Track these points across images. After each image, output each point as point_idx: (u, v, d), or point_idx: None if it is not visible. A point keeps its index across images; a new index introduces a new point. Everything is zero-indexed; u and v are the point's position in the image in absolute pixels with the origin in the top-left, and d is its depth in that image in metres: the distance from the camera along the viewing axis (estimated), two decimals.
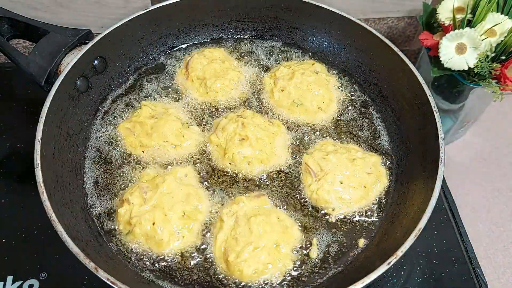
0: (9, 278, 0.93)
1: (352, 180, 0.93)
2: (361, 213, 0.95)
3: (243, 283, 0.84)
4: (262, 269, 0.83)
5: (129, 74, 1.16)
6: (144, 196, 0.88)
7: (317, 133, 1.06)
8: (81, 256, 0.74)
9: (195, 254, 0.87)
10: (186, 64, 1.13)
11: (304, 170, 0.97)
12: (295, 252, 0.89)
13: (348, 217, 0.94)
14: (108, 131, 1.05)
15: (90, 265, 0.73)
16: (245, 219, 0.86)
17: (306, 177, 0.96)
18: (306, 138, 1.05)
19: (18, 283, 0.93)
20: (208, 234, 0.89)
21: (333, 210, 0.93)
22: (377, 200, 0.96)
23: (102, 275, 0.73)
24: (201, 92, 1.10)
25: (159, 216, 0.86)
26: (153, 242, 0.86)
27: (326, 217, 0.94)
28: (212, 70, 1.10)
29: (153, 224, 0.85)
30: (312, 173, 0.95)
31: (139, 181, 0.93)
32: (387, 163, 1.02)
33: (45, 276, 0.94)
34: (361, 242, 0.91)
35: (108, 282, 0.72)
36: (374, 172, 0.97)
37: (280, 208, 0.94)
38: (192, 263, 0.87)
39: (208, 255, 0.87)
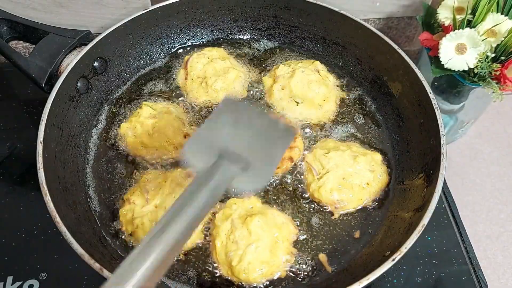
0: (9, 279, 0.93)
1: (354, 178, 0.93)
2: (364, 210, 0.95)
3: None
4: (267, 269, 0.84)
5: (129, 75, 1.16)
6: (146, 196, 0.88)
7: (318, 131, 1.06)
8: (86, 257, 0.74)
9: (199, 253, 0.88)
10: (186, 63, 1.13)
11: (306, 168, 0.97)
12: (296, 247, 0.89)
13: (350, 214, 0.94)
14: (109, 132, 1.05)
15: (95, 266, 0.73)
16: (241, 221, 0.86)
17: (308, 175, 0.96)
18: (306, 136, 1.05)
19: (18, 283, 0.93)
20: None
21: (335, 208, 0.93)
22: (379, 197, 0.97)
23: (108, 275, 0.72)
24: (202, 92, 1.10)
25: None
26: None
27: (329, 215, 0.94)
28: (213, 69, 1.10)
29: (156, 224, 0.85)
30: (314, 171, 0.95)
31: (140, 181, 0.94)
32: (388, 160, 1.02)
33: (45, 276, 0.94)
34: (364, 239, 0.92)
35: None
36: (376, 169, 0.97)
37: (274, 206, 0.95)
38: (196, 262, 0.87)
39: (211, 254, 0.88)
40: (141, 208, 0.88)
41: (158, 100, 1.11)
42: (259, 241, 0.84)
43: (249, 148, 0.72)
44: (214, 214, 0.90)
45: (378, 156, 0.99)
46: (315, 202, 0.95)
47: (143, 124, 1.00)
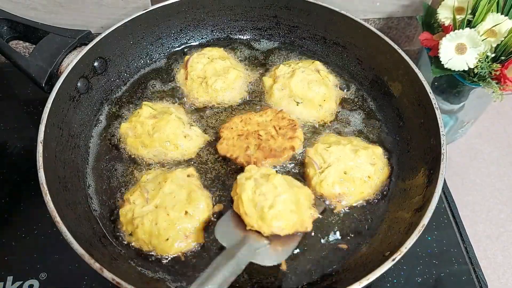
0: (9, 278, 0.93)
1: (355, 171, 0.94)
2: (363, 210, 0.95)
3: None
4: (297, 219, 0.85)
5: (130, 75, 1.16)
6: (146, 196, 0.89)
7: (318, 130, 1.06)
8: (86, 257, 0.74)
9: (200, 252, 0.88)
10: (186, 63, 1.13)
11: (307, 163, 0.98)
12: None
13: (352, 208, 0.95)
14: (109, 131, 1.05)
15: (95, 265, 0.73)
16: (264, 179, 0.87)
17: (310, 169, 0.97)
18: (306, 132, 1.05)
19: (18, 283, 0.93)
20: (211, 232, 0.90)
21: (337, 201, 0.94)
22: (380, 193, 0.97)
23: (108, 275, 0.73)
24: (202, 92, 1.10)
25: (162, 216, 0.86)
26: (156, 242, 0.86)
27: (331, 208, 0.94)
28: (213, 69, 1.11)
29: (156, 224, 0.85)
30: (316, 166, 0.95)
31: (140, 181, 0.94)
32: (389, 159, 1.02)
33: (45, 276, 0.94)
34: (364, 239, 0.92)
35: (113, 282, 0.72)
36: (377, 162, 0.97)
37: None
38: (196, 262, 0.87)
39: (212, 254, 0.88)
40: (141, 208, 0.88)
41: (158, 100, 1.11)
42: (286, 193, 0.85)
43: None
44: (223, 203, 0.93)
45: (379, 150, 1.00)
46: (317, 196, 0.95)
47: (143, 124, 1.00)
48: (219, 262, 0.76)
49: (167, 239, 0.85)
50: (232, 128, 1.02)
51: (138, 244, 0.87)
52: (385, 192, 0.97)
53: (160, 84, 1.15)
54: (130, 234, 0.88)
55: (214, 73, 1.10)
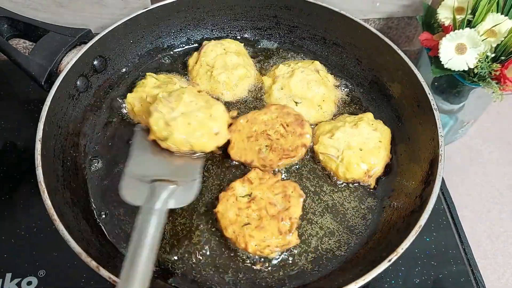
0: (8, 275, 0.93)
1: (368, 142, 0.97)
2: (360, 210, 0.95)
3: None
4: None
5: (129, 73, 1.16)
6: (170, 105, 0.92)
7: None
8: (83, 255, 0.74)
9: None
10: (201, 48, 1.14)
11: (323, 160, 0.99)
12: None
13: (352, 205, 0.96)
14: (108, 130, 1.05)
15: (92, 264, 0.74)
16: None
17: (329, 163, 0.98)
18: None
19: (16, 280, 0.93)
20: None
21: (369, 177, 0.96)
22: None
23: (104, 273, 0.73)
24: (204, 79, 1.10)
25: (192, 117, 0.91)
26: (193, 140, 0.91)
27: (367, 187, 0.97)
28: (223, 61, 1.11)
29: (189, 124, 0.91)
30: (333, 157, 0.97)
31: (158, 95, 0.96)
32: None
33: (43, 273, 0.94)
34: (360, 240, 0.91)
35: (110, 281, 0.73)
36: (377, 126, 1.01)
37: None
38: (196, 268, 0.87)
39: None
40: (170, 114, 0.91)
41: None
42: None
43: (172, 172, 0.89)
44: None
45: (370, 115, 1.04)
46: (349, 182, 0.97)
47: (149, 94, 1.02)
48: (141, 226, 0.75)
49: (202, 135, 0.91)
50: (239, 130, 1.01)
51: (175, 148, 0.92)
52: (384, 191, 0.98)
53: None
54: (166, 139, 0.91)
55: (222, 65, 1.10)
